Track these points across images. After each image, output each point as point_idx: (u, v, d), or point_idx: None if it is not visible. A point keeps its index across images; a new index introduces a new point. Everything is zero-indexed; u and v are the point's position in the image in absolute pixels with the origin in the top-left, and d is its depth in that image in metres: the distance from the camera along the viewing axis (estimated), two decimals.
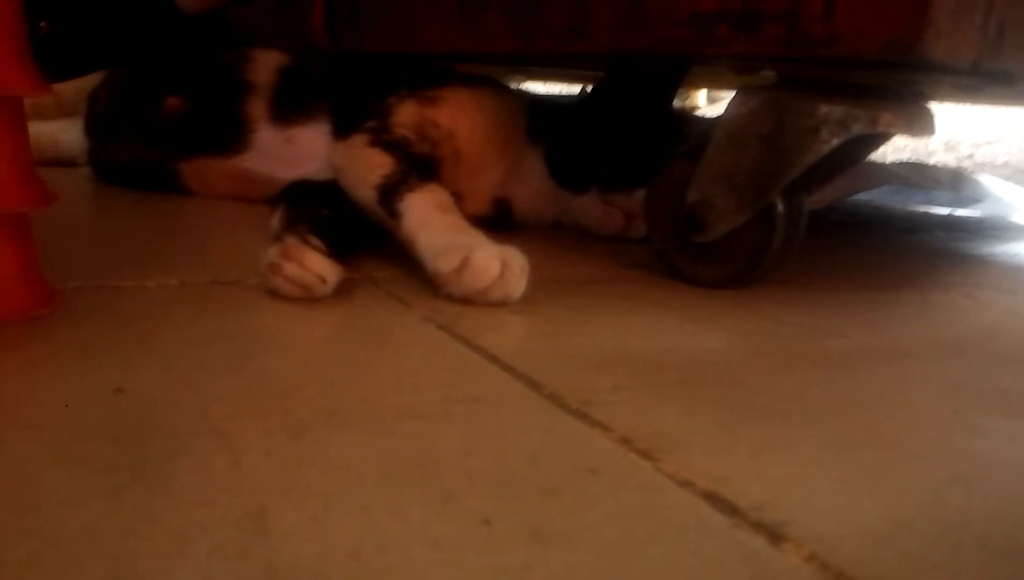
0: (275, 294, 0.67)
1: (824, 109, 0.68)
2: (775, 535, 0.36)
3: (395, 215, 0.79)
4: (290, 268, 0.65)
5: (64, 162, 1.22)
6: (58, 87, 1.31)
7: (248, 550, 0.33)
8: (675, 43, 0.75)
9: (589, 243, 0.98)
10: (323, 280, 0.66)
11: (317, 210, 0.77)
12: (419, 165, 0.88)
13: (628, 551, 0.34)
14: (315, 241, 0.66)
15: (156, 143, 1.09)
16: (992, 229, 1.29)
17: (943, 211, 1.39)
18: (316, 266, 0.66)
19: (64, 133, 1.25)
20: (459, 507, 0.37)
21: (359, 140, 0.92)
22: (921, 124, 0.71)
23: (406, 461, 0.41)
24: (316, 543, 0.34)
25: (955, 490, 0.42)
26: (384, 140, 0.91)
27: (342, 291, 0.72)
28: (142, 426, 0.43)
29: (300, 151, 1.00)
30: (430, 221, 0.76)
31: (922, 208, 1.40)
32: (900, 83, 0.72)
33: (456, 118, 0.96)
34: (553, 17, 0.87)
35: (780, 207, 0.74)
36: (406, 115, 0.95)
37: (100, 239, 0.91)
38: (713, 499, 0.39)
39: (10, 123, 0.59)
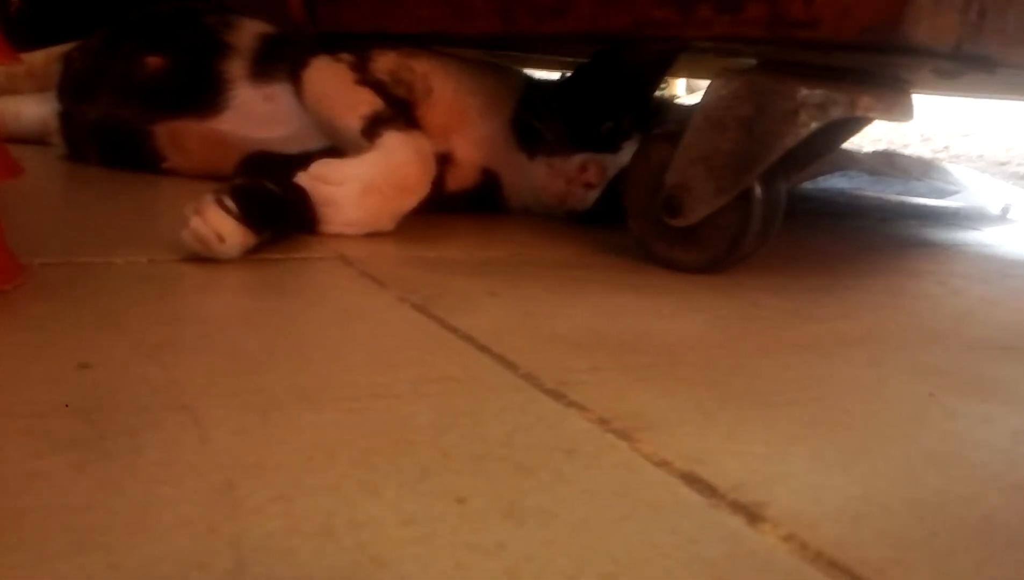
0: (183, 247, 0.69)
1: (804, 92, 0.68)
2: (753, 515, 0.36)
3: (371, 141, 0.87)
4: (194, 221, 0.68)
5: (25, 138, 1.20)
6: (28, 57, 1.28)
7: (215, 526, 0.32)
8: (657, 24, 0.75)
9: (568, 228, 0.97)
10: (221, 238, 0.68)
11: (260, 181, 0.77)
12: (400, 109, 0.93)
13: (603, 530, 0.34)
14: (229, 203, 0.68)
15: (133, 102, 1.07)
16: (965, 219, 1.29)
17: (917, 201, 1.40)
18: (216, 223, 0.68)
19: (27, 107, 1.22)
20: (433, 484, 0.36)
21: (344, 74, 0.95)
22: (900, 109, 0.71)
23: (379, 439, 0.40)
24: (285, 519, 0.33)
25: (931, 471, 0.42)
26: (369, 81, 0.94)
27: (315, 271, 0.71)
28: (107, 401, 0.42)
29: (280, 109, 1.00)
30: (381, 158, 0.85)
31: (897, 198, 1.41)
32: (880, 67, 0.72)
33: (432, 64, 0.98)
34: None
35: (758, 191, 0.74)
36: (385, 62, 0.96)
37: (68, 215, 0.89)
38: (690, 479, 0.39)
39: None
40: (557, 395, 0.47)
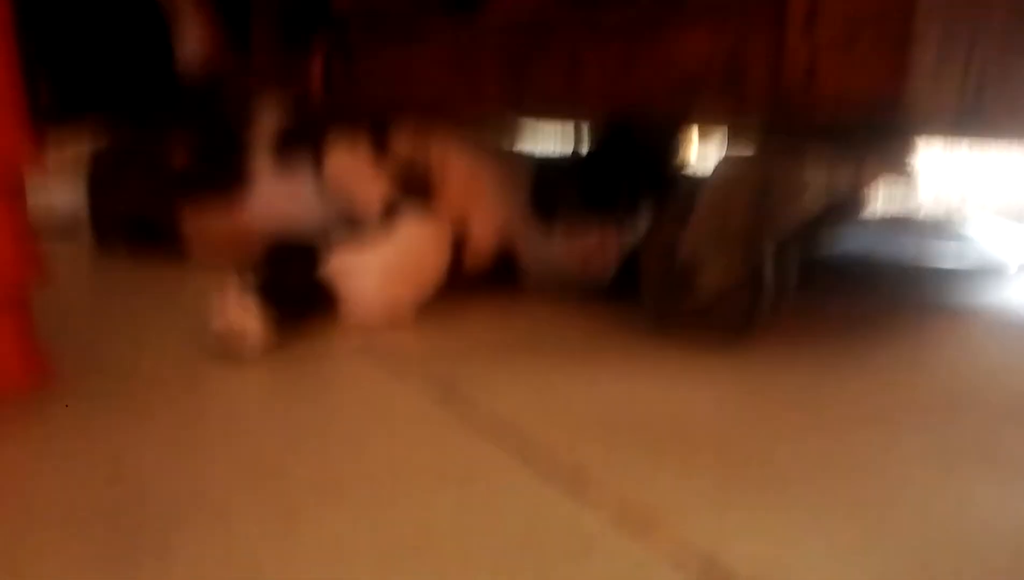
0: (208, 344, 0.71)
1: (809, 169, 0.69)
2: None
3: (389, 227, 0.89)
4: (218, 320, 0.70)
5: (56, 229, 1.24)
6: (59, 151, 1.33)
7: None
8: (662, 102, 0.77)
9: (585, 305, 0.98)
10: (244, 335, 0.71)
11: (281, 276, 0.80)
12: (417, 193, 0.95)
13: None
14: (252, 299, 0.71)
15: (158, 193, 1.11)
16: (983, 276, 1.29)
17: (934, 259, 1.40)
18: (238, 320, 0.71)
19: (57, 199, 1.27)
20: None
21: (362, 160, 0.98)
22: (905, 181, 0.72)
23: (400, 540, 0.41)
24: None
25: (945, 558, 0.42)
26: (386, 166, 0.97)
27: (337, 362, 0.73)
28: (137, 507, 0.44)
29: (303, 196, 1.03)
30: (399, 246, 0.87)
31: (914, 257, 1.41)
32: (883, 140, 0.73)
33: (448, 146, 1.01)
34: (545, 78, 0.89)
35: (769, 266, 0.75)
36: (403, 147, 0.99)
37: (97, 311, 0.92)
38: (709, 567, 0.39)
39: (9, 197, 0.60)
40: (575, 484, 0.48)
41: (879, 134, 0.74)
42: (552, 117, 0.96)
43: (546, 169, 1.06)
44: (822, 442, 0.58)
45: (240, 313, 0.70)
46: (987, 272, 1.32)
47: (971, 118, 0.68)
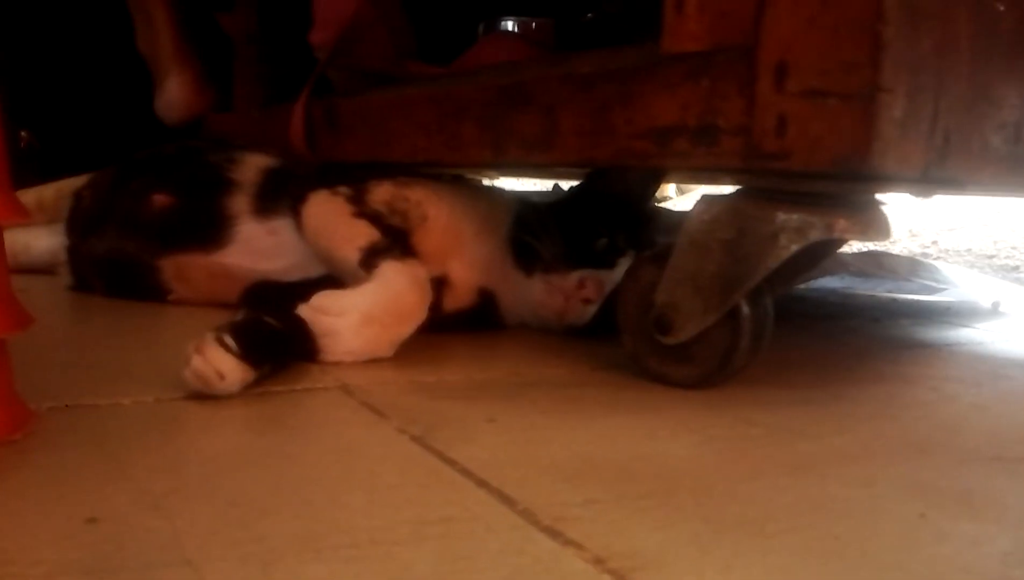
0: (185, 384, 0.71)
1: (782, 217, 0.71)
2: None
3: (369, 271, 0.89)
4: (195, 361, 0.70)
5: (35, 268, 1.24)
6: (39, 191, 1.33)
7: None
8: (637, 155, 0.78)
9: (565, 343, 0.99)
10: (221, 376, 0.70)
11: (259, 317, 0.79)
12: (397, 238, 0.96)
13: None
14: (229, 341, 0.71)
15: (140, 237, 1.11)
16: (957, 315, 1.31)
17: (909, 298, 1.42)
18: (216, 361, 0.70)
19: (37, 239, 1.27)
20: None
21: (341, 207, 0.98)
22: (876, 229, 0.73)
23: None
24: None
25: None
26: (365, 213, 0.98)
27: (316, 403, 0.73)
28: (114, 558, 0.43)
29: (283, 241, 1.04)
30: (379, 288, 0.87)
31: (888, 295, 1.44)
32: (855, 190, 0.75)
33: (426, 191, 1.02)
34: (523, 129, 0.90)
35: (746, 309, 0.76)
36: (381, 194, 1.00)
37: (75, 352, 0.91)
38: None
39: None
40: (554, 533, 0.48)
41: (849, 191, 0.75)
42: (531, 169, 0.97)
43: (527, 209, 1.07)
44: (799, 482, 0.58)
45: (217, 352, 0.70)
46: (961, 310, 1.35)
47: (937, 170, 0.69)
